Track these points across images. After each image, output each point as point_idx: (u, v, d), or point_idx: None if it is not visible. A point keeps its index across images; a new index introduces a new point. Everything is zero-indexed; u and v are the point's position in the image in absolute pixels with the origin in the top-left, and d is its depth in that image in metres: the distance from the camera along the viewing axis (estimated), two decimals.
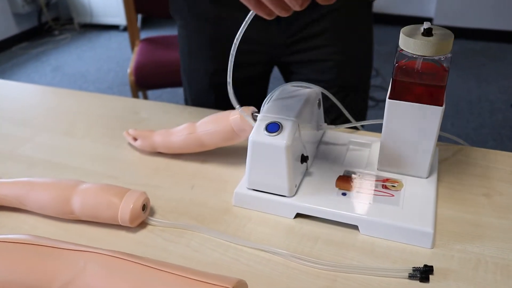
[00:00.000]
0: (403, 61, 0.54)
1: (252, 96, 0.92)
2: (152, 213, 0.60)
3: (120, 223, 0.56)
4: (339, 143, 0.68)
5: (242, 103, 0.60)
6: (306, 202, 0.57)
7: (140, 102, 0.90)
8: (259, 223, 0.57)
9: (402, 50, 0.53)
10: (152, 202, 0.62)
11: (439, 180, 0.62)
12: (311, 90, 0.63)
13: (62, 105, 0.91)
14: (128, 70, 1.82)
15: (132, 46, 2.04)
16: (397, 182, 0.59)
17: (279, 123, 0.56)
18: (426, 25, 0.52)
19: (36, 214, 0.61)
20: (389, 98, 0.56)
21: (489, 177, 0.63)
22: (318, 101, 0.65)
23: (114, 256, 0.45)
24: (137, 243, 0.56)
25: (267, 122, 0.56)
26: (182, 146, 0.68)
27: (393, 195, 0.57)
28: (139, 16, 3.33)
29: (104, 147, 0.75)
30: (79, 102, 0.91)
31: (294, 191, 0.58)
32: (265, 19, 0.50)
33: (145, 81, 1.83)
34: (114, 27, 3.61)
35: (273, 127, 0.55)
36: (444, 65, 0.53)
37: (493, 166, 0.65)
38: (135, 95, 1.85)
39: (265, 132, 0.55)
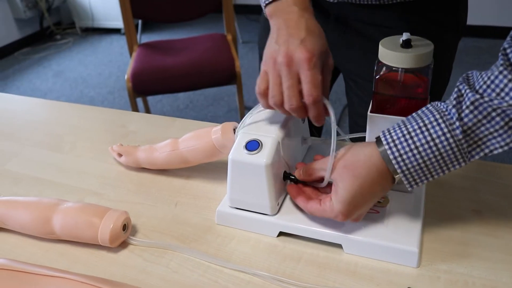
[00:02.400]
0: (383, 74, 0.52)
1: None
2: (134, 231, 0.59)
3: (100, 243, 0.55)
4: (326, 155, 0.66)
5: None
6: (289, 220, 0.56)
7: (128, 115, 0.89)
8: (241, 242, 0.56)
9: (381, 62, 0.52)
10: (135, 220, 0.61)
11: (426, 193, 0.60)
12: None
13: (50, 117, 0.90)
14: (126, 76, 1.81)
15: (130, 51, 2.04)
16: (383, 198, 0.57)
17: (259, 141, 0.54)
18: (405, 36, 0.51)
19: (18, 233, 0.60)
20: (371, 111, 0.55)
21: (479, 191, 0.61)
22: None
23: (87, 283, 0.44)
24: (117, 264, 0.55)
25: (246, 140, 0.55)
26: (166, 163, 0.67)
27: (378, 212, 0.55)
28: (140, 21, 3.34)
29: (90, 162, 0.75)
30: (68, 115, 0.91)
31: (277, 209, 0.56)
32: None
33: (143, 88, 1.83)
34: (115, 31, 3.62)
35: (253, 145, 0.54)
36: (425, 76, 0.52)
37: (484, 178, 0.64)
38: (133, 101, 1.85)
39: (245, 150, 0.54)
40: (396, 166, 0.45)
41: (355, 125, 0.86)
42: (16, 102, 0.99)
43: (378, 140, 0.47)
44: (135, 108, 1.88)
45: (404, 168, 0.45)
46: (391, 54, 0.51)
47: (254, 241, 0.56)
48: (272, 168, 0.53)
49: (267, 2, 0.58)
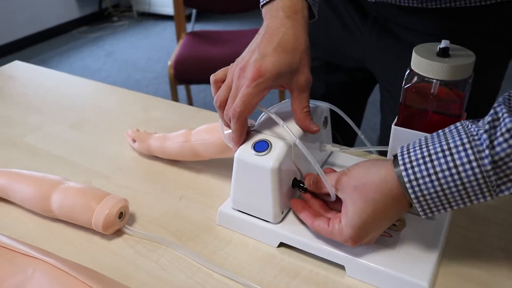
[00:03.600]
0: (414, 83, 0.47)
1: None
2: (132, 221, 0.57)
3: (94, 229, 0.54)
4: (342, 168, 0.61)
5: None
6: (292, 231, 0.51)
7: (153, 100, 0.87)
8: (239, 247, 0.53)
9: (413, 71, 0.46)
10: (136, 209, 0.59)
11: (451, 223, 0.54)
12: (317, 107, 0.57)
13: (79, 96, 0.90)
14: (169, 63, 1.82)
15: (178, 38, 2.05)
16: (400, 221, 0.52)
17: (269, 142, 0.51)
18: (443, 43, 0.45)
19: (20, 207, 0.60)
20: (396, 124, 0.49)
21: None
22: (324, 119, 0.59)
23: (64, 270, 0.42)
24: (107, 252, 0.53)
25: (255, 139, 0.51)
26: (177, 154, 0.64)
27: (391, 236, 0.50)
28: (194, 10, 3.37)
29: (106, 144, 0.74)
30: (96, 94, 0.91)
31: (280, 218, 0.52)
32: None
33: (184, 76, 1.82)
34: (170, 17, 3.67)
35: (261, 146, 0.50)
36: (461, 91, 0.46)
37: None
38: (174, 88, 1.85)
39: (252, 150, 0.50)
40: (410, 191, 0.40)
41: (386, 138, 0.80)
42: (54, 77, 1.00)
43: (395, 159, 0.42)
44: (175, 95, 1.88)
45: (419, 194, 0.40)
46: (425, 63, 0.45)
47: (252, 248, 0.53)
48: (280, 173, 0.49)
49: (262, 3, 0.55)
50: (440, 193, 0.39)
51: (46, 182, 0.57)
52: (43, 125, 0.80)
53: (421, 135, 0.47)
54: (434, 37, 0.63)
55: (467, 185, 0.38)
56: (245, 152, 0.51)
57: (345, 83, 0.86)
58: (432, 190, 0.39)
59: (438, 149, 0.39)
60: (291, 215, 0.54)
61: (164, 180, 0.64)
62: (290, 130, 0.49)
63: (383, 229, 0.46)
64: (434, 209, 0.41)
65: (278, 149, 0.50)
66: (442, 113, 0.47)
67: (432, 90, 0.46)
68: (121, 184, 0.64)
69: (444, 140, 0.39)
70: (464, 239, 0.53)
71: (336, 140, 0.70)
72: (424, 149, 0.40)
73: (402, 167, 0.40)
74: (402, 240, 0.50)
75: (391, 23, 0.70)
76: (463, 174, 0.38)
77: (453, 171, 0.38)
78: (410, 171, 0.40)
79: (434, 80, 0.45)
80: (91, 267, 0.50)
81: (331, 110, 0.59)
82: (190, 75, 1.85)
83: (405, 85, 0.47)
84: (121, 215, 0.55)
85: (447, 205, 0.40)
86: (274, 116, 0.51)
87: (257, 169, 0.49)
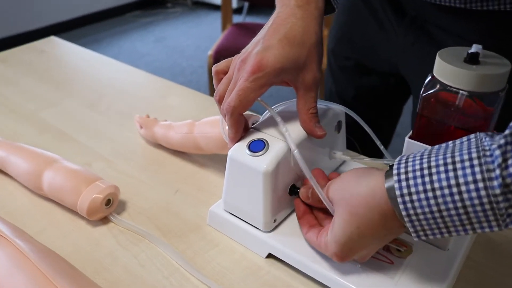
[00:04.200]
0: (435, 92, 0.41)
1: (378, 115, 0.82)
2: (121, 209, 0.55)
3: (79, 213, 0.52)
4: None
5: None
6: (282, 243, 0.47)
7: (172, 87, 0.85)
8: (224, 252, 0.49)
9: (435, 77, 0.40)
10: (128, 198, 0.56)
11: (467, 256, 0.47)
12: (328, 109, 0.52)
13: (102, 75, 0.90)
14: (209, 52, 1.80)
15: (223, 29, 2.03)
16: (406, 247, 0.46)
17: (266, 141, 0.46)
18: (473, 48, 0.38)
19: (18, 182, 0.59)
20: (410, 136, 0.43)
21: None
22: (337, 124, 0.53)
23: (27, 256, 0.40)
24: (89, 238, 0.50)
25: (252, 138, 0.47)
26: (179, 145, 0.61)
27: (392, 262, 0.44)
28: (246, 3, 3.33)
29: (115, 127, 0.72)
30: (119, 76, 0.89)
31: (271, 227, 0.48)
32: None
33: None
34: None
35: (257, 146, 0.46)
36: (490, 106, 0.39)
37: None
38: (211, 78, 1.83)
39: (247, 150, 0.46)
40: (401, 207, 0.34)
41: None
42: (84, 55, 1.00)
43: (390, 169, 0.36)
44: (212, 86, 1.86)
45: (411, 212, 0.34)
46: (449, 69, 0.39)
47: (239, 255, 0.48)
48: (273, 177, 0.45)
49: None
50: (437, 214, 0.33)
51: (41, 159, 0.56)
52: (60, 102, 0.79)
53: None
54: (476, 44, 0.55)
55: (470, 209, 0.31)
56: (239, 151, 0.46)
57: (377, 88, 0.80)
58: (427, 210, 0.33)
59: (441, 162, 0.33)
60: (285, 224, 0.49)
61: (164, 170, 0.61)
62: (289, 134, 0.44)
63: (374, 248, 0.40)
64: (428, 232, 0.34)
65: (275, 150, 0.45)
66: (465, 129, 0.41)
67: (457, 102, 0.40)
68: (120, 170, 0.62)
69: (450, 152, 0.33)
70: (480, 276, 0.46)
71: (353, 149, 0.65)
72: (425, 160, 0.33)
73: (395, 178, 0.34)
74: (404, 269, 0.44)
75: (429, 25, 0.63)
76: (465, 195, 0.31)
77: (454, 189, 0.31)
78: (403, 183, 0.34)
79: (459, 91, 0.39)
80: (69, 252, 0.48)
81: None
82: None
83: (424, 92, 0.41)
84: (108, 202, 0.52)
85: (444, 230, 0.34)
86: (275, 115, 0.46)
87: (250, 171, 0.45)
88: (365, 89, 0.81)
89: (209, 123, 0.57)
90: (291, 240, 0.47)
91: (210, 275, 0.46)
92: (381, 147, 0.56)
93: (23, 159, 0.56)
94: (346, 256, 0.40)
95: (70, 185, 0.52)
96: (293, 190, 0.48)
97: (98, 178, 0.53)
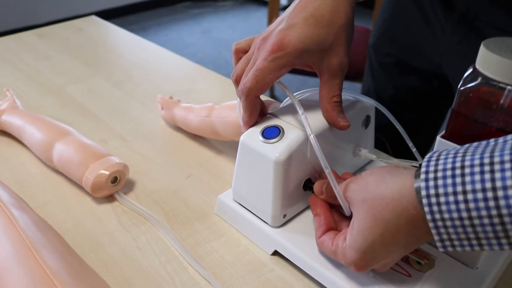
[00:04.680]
0: (476, 86, 0.35)
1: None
2: (129, 189, 0.52)
3: (84, 188, 0.50)
4: None
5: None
6: (290, 241, 0.43)
7: (202, 71, 0.82)
8: (228, 244, 0.45)
9: (477, 70, 0.35)
10: (138, 178, 0.54)
11: (500, 277, 0.41)
12: (357, 101, 0.47)
13: (134, 56, 0.88)
14: None
15: (269, 23, 2.00)
16: (428, 260, 0.40)
17: (281, 128, 0.42)
18: None
19: (31, 152, 0.58)
20: (443, 136, 0.38)
21: None
22: (365, 118, 0.49)
23: (14, 222, 0.38)
24: (91, 215, 0.48)
25: (267, 124, 0.43)
26: (197, 128, 0.58)
27: (410, 275, 0.39)
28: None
29: (139, 107, 0.70)
30: (151, 57, 0.88)
31: (280, 222, 0.44)
32: None
33: None
34: None
35: (271, 133, 0.42)
36: None
37: None
38: None
39: (260, 136, 0.42)
40: (426, 209, 0.29)
41: None
42: (120, 36, 1.00)
43: (419, 168, 0.31)
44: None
45: (437, 216, 0.29)
46: (495, 60, 0.33)
47: (243, 249, 0.45)
48: (286, 167, 0.41)
49: None
50: (466, 222, 0.28)
51: (55, 130, 0.55)
52: (88, 79, 0.78)
53: None
54: None
55: (507, 219, 0.26)
56: (251, 136, 0.43)
57: (418, 89, 0.74)
58: (455, 215, 0.28)
59: (477, 162, 0.27)
60: (296, 221, 0.45)
61: (179, 154, 0.59)
62: (306, 117, 0.40)
63: (397, 257, 0.36)
64: (456, 243, 0.29)
65: (290, 138, 0.41)
66: (508, 133, 0.35)
67: (501, 99, 0.35)
68: (135, 149, 0.60)
69: (489, 152, 0.27)
70: None
71: (384, 149, 0.60)
72: (459, 158, 0.28)
73: (423, 176, 0.29)
74: (423, 284, 0.39)
75: (480, 22, 0.56)
76: (502, 202, 0.26)
77: (489, 194, 0.26)
78: (431, 183, 0.29)
79: (506, 86, 0.34)
80: (69, 227, 0.47)
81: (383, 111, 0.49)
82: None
83: (462, 86, 0.36)
84: (115, 180, 0.50)
85: (474, 242, 0.28)
86: (292, 97, 0.42)
87: (261, 158, 0.41)
88: (405, 89, 0.75)
89: (229, 107, 0.54)
90: (300, 239, 0.43)
91: (208, 267, 0.42)
92: (414, 150, 0.50)
93: (38, 129, 0.55)
94: (366, 266, 0.35)
95: (78, 159, 0.50)
96: (308, 185, 0.44)
97: (108, 155, 0.51)
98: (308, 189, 0.44)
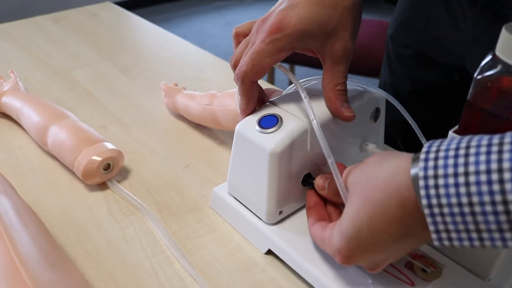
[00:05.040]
0: (494, 75, 0.31)
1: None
2: (122, 177, 0.50)
3: (76, 173, 0.48)
4: None
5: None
6: (285, 240, 0.39)
7: (211, 59, 0.80)
8: (220, 240, 0.42)
9: (497, 57, 0.31)
10: (134, 166, 0.52)
11: None
12: (365, 92, 0.44)
13: (143, 42, 0.86)
14: None
15: None
16: (434, 268, 0.37)
17: (279, 117, 0.39)
18: None
19: (29, 135, 0.57)
20: (456, 131, 0.34)
21: None
22: (374, 111, 0.45)
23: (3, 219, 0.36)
24: (82, 203, 0.46)
25: (265, 112, 0.40)
26: (198, 117, 0.56)
27: (413, 284, 0.36)
28: None
29: (143, 94, 0.68)
30: (160, 43, 0.86)
31: (276, 219, 0.41)
32: None
33: (292, 56, 1.72)
34: None
35: (269, 122, 0.39)
36: None
37: None
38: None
39: (256, 125, 0.39)
40: (422, 193, 0.25)
41: None
42: (133, 22, 0.98)
43: (420, 153, 0.27)
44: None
45: (434, 201, 0.25)
46: None
47: (235, 246, 0.42)
48: (283, 159, 0.38)
49: None
50: (466, 209, 0.24)
51: (52, 113, 0.53)
52: (96, 63, 0.77)
53: None
54: None
55: None
56: (247, 126, 0.40)
57: (437, 84, 0.69)
58: (454, 200, 0.24)
59: (484, 142, 0.24)
60: (293, 219, 0.42)
61: (179, 143, 0.56)
62: (309, 101, 0.37)
63: (388, 255, 0.31)
64: (453, 235, 0.25)
65: (288, 129, 0.38)
66: None
67: None
68: (134, 136, 0.57)
69: (499, 136, 0.24)
70: None
71: (395, 145, 0.56)
72: (465, 141, 0.25)
73: (422, 156, 0.26)
74: None
75: (508, 10, 0.51)
76: (508, 186, 0.22)
77: (494, 176, 0.22)
78: (430, 163, 0.25)
79: None
80: (58, 214, 0.45)
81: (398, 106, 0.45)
82: (292, 54, 1.74)
83: (479, 74, 0.32)
84: (108, 167, 0.48)
85: (474, 235, 0.24)
86: (295, 80, 0.39)
87: (257, 150, 0.38)
88: (424, 84, 0.70)
89: (230, 95, 0.51)
90: (297, 239, 0.39)
91: (196, 263, 0.40)
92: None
93: (35, 111, 0.54)
94: (352, 256, 0.31)
95: (71, 143, 0.48)
96: (308, 180, 0.41)
97: (102, 140, 0.49)
98: (307, 185, 0.41)
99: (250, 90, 0.39)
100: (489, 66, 0.32)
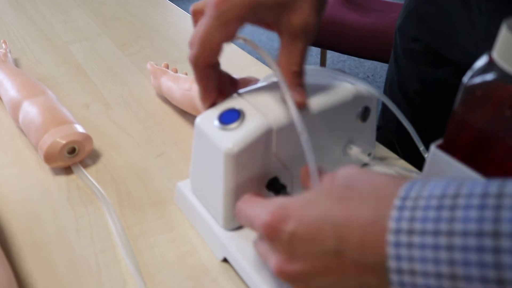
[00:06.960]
0: (487, 81, 0.26)
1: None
2: (92, 162, 0.47)
3: (39, 154, 0.45)
4: None
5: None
6: (240, 250, 0.35)
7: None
8: (175, 241, 0.39)
9: (493, 60, 0.25)
10: (106, 151, 0.49)
11: None
12: (353, 88, 0.38)
13: (152, 18, 0.83)
14: None
15: None
16: None
17: (242, 113, 0.34)
18: None
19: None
20: (439, 145, 0.29)
21: None
22: (363, 110, 0.40)
23: None
24: (43, 188, 0.44)
25: (227, 106, 0.35)
26: (179, 102, 0.52)
27: None
28: None
29: (136, 73, 0.64)
30: (171, 23, 0.82)
31: (234, 225, 0.37)
32: None
33: (322, 40, 1.65)
34: None
35: (230, 117, 0.35)
36: None
37: None
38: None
39: (216, 120, 0.35)
40: (391, 252, 0.20)
41: None
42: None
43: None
44: None
45: (404, 265, 0.20)
46: None
47: (190, 248, 0.38)
48: (241, 162, 0.33)
49: None
50: (446, 283, 0.19)
51: (27, 89, 0.51)
52: (95, 37, 0.74)
53: (476, 176, 0.26)
54: None
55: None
56: (206, 120, 0.35)
57: (448, 84, 0.60)
58: (431, 268, 0.19)
59: (478, 191, 0.19)
60: None
61: (157, 128, 0.53)
62: (282, 76, 0.32)
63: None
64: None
65: (250, 126, 0.33)
66: None
67: None
68: (114, 118, 0.54)
69: (498, 184, 0.18)
70: None
71: (392, 147, 0.50)
72: (453, 186, 0.20)
73: (397, 202, 0.21)
74: None
75: None
76: (506, 259, 0.17)
77: (487, 241, 0.17)
78: (406, 214, 0.20)
79: None
80: (18, 198, 0.43)
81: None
82: (323, 38, 1.67)
83: (469, 80, 0.26)
84: (73, 151, 0.45)
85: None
86: (264, 54, 0.34)
87: (213, 148, 0.34)
88: (433, 83, 0.62)
89: None
90: (251, 248, 0.35)
91: (144, 264, 0.37)
92: (426, 155, 0.41)
93: (13, 86, 0.52)
94: (276, 229, 0.25)
95: (38, 123, 0.46)
96: (273, 185, 0.36)
97: (71, 122, 0.46)
98: (272, 190, 0.36)
99: (205, 76, 0.34)
100: (483, 70, 0.26)
